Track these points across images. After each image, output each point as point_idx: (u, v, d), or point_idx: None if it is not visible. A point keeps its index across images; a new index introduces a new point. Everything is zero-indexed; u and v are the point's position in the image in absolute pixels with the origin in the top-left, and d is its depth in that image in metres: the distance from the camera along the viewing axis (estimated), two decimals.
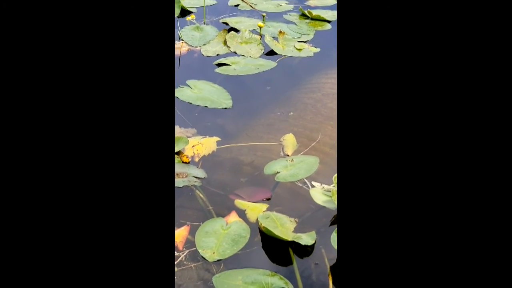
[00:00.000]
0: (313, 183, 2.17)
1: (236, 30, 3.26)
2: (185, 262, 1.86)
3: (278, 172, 2.22)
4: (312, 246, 1.90)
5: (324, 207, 2.05)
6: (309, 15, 3.44)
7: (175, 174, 2.17)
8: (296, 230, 1.96)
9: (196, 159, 2.29)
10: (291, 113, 2.62)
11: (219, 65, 2.97)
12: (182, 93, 2.71)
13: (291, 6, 3.60)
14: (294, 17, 3.47)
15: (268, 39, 3.15)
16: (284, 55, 3.08)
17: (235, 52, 3.08)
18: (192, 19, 3.33)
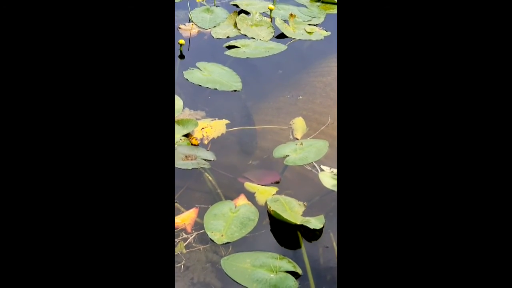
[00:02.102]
0: (322, 167, 2.17)
1: (247, 13, 3.24)
2: (193, 244, 1.86)
3: (287, 156, 2.22)
4: (321, 230, 1.91)
5: (333, 191, 2.05)
6: None
7: (185, 156, 2.18)
8: (304, 214, 1.96)
9: (205, 142, 2.29)
10: (300, 96, 2.62)
11: (229, 47, 2.96)
12: (192, 75, 2.70)
13: None
14: (305, 0, 3.45)
15: (278, 22, 3.13)
16: (295, 38, 3.06)
17: (245, 35, 3.07)
18: (203, 1, 3.31)
